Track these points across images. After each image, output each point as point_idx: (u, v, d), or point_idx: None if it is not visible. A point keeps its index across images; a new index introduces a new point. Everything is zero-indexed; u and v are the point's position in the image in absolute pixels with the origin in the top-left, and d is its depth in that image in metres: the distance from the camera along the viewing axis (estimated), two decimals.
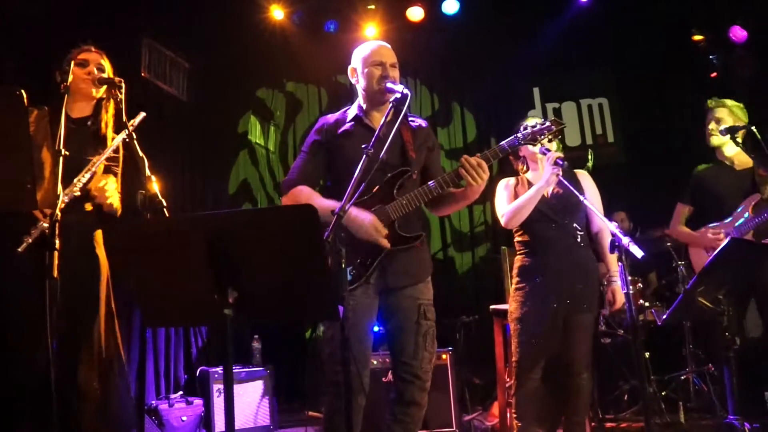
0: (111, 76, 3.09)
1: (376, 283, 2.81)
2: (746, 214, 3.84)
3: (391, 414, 2.84)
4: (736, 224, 3.86)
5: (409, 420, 2.81)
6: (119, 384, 3.00)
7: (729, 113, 3.98)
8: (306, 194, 2.88)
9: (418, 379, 2.81)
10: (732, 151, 4.00)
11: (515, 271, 3.61)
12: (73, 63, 2.98)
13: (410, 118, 3.05)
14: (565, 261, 3.49)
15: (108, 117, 3.14)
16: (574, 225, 3.57)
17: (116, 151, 3.09)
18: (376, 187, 2.79)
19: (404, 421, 2.81)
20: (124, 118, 2.66)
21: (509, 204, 3.55)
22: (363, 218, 2.69)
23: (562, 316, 3.45)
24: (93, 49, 3.14)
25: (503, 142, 2.94)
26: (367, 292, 2.79)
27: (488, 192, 3.51)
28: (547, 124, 3.00)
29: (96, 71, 3.05)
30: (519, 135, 2.98)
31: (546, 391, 3.53)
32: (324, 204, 2.70)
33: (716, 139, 3.99)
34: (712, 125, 4.00)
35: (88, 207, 2.98)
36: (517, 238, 3.66)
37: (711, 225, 3.98)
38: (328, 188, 3.00)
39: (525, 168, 3.72)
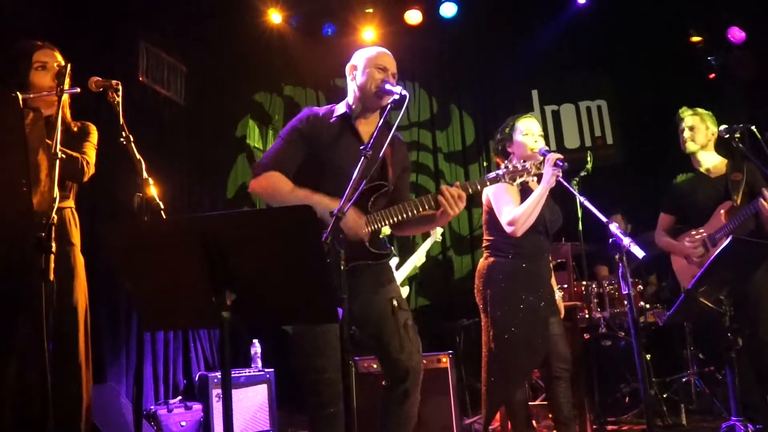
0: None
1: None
2: (722, 220, 3.96)
3: (386, 413, 2.79)
4: (711, 232, 3.99)
5: (404, 417, 2.77)
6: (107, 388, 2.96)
7: (700, 121, 4.11)
8: (281, 182, 2.75)
9: (412, 371, 2.76)
10: (707, 160, 4.13)
11: (499, 273, 3.51)
12: (33, 69, 2.91)
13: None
14: (549, 270, 3.60)
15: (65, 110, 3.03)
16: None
17: (71, 133, 3.03)
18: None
19: (399, 414, 2.77)
20: (122, 121, 2.64)
21: (515, 208, 3.44)
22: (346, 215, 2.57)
23: (548, 321, 3.49)
24: (44, 45, 3.02)
25: (485, 177, 2.93)
26: None
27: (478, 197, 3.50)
28: (527, 166, 2.94)
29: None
30: (500, 172, 2.94)
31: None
32: (300, 197, 2.65)
33: (692, 146, 4.12)
34: (686, 133, 4.14)
35: (66, 204, 2.97)
36: (502, 239, 3.54)
37: (688, 234, 4.11)
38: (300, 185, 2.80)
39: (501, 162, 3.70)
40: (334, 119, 2.88)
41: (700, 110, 4.15)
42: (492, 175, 2.94)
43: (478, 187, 2.85)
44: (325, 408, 2.65)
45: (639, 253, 2.84)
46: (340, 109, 2.91)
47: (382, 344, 2.80)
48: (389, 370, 2.81)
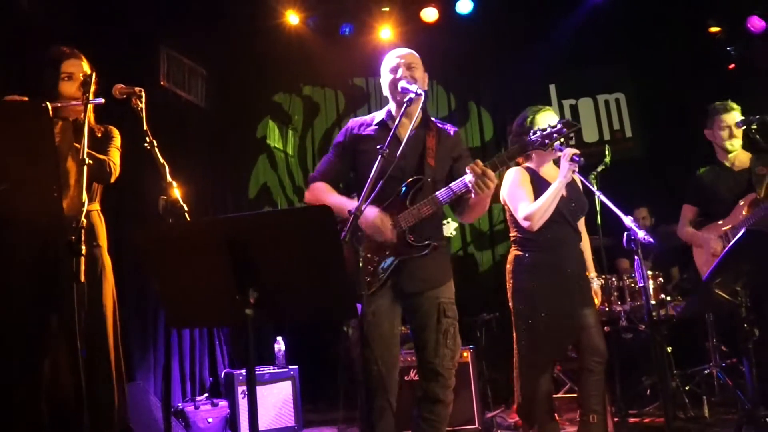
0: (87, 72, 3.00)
1: (393, 288, 2.87)
2: (743, 213, 3.97)
3: (417, 412, 2.90)
4: (734, 224, 4.00)
5: (435, 418, 2.86)
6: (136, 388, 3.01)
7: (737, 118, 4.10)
8: (320, 189, 3.00)
9: (441, 377, 2.86)
10: (732, 152, 4.13)
11: (520, 266, 3.54)
12: (60, 80, 2.98)
13: (439, 125, 3.11)
14: (575, 260, 3.57)
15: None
16: (578, 224, 3.64)
17: (95, 138, 3.10)
18: (391, 197, 2.85)
19: (430, 419, 2.86)
20: (145, 126, 2.71)
21: (531, 204, 3.47)
22: (366, 214, 2.68)
23: (576, 313, 3.48)
24: (71, 54, 3.07)
25: (512, 148, 2.97)
26: (386, 294, 2.86)
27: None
28: (559, 126, 2.93)
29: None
30: (528, 140, 2.97)
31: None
32: (333, 200, 2.86)
33: (730, 144, 4.12)
34: (725, 133, 4.11)
35: (92, 207, 3.05)
36: (522, 234, 3.57)
37: (711, 225, 4.12)
38: (353, 189, 3.09)
39: (522, 159, 3.69)
40: (374, 126, 3.05)
41: (735, 105, 4.14)
42: (526, 140, 2.97)
43: (507, 161, 2.89)
44: (379, 399, 2.77)
45: (649, 239, 2.91)
46: (380, 115, 3.08)
47: (419, 342, 2.93)
48: (421, 369, 2.94)
